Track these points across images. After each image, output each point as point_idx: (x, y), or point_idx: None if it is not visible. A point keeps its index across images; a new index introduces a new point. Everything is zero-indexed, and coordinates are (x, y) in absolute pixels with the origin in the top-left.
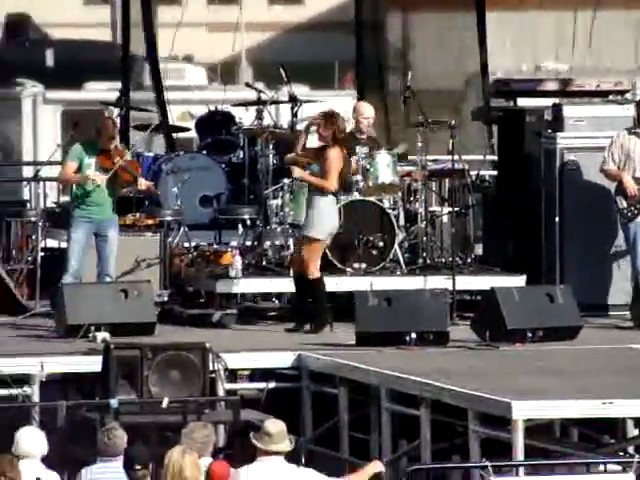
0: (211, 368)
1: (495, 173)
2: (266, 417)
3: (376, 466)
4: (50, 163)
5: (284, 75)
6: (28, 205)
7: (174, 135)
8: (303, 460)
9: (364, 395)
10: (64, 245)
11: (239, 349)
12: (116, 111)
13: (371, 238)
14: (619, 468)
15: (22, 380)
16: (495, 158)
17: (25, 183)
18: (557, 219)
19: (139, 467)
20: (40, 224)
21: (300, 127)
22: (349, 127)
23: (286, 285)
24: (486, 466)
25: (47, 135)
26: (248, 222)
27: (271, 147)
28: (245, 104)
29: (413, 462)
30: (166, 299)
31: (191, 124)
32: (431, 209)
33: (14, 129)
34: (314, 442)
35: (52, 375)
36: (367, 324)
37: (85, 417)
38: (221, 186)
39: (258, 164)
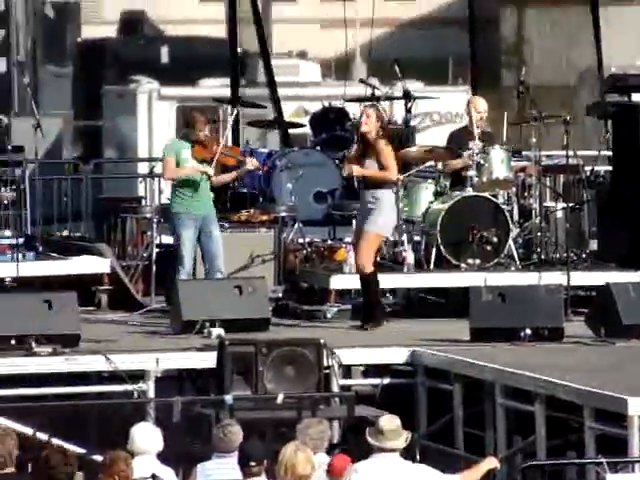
0: (326, 364)
1: (610, 168)
2: (381, 413)
3: (491, 462)
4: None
5: (398, 71)
6: (143, 202)
7: (288, 131)
8: (418, 456)
9: (478, 391)
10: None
11: (353, 345)
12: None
13: (485, 234)
14: None
15: (138, 376)
16: (609, 153)
17: (140, 180)
18: None
19: (254, 463)
20: (155, 220)
21: (414, 123)
22: (463, 122)
23: (400, 280)
24: (601, 462)
25: (162, 131)
26: None
27: None
28: (359, 100)
29: (528, 458)
30: (280, 295)
31: (305, 120)
32: (545, 204)
33: (130, 126)
34: (429, 438)
35: (167, 371)
36: (481, 320)
37: (200, 413)
38: (335, 182)
39: None
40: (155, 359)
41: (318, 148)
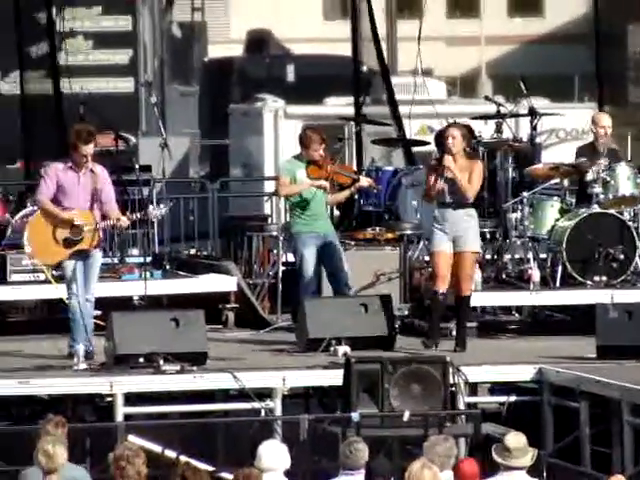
0: (451, 381)
1: None
2: (507, 431)
3: None
4: None
5: (523, 87)
6: (269, 220)
7: (413, 149)
8: (545, 474)
9: (605, 408)
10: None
11: (479, 362)
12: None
13: (611, 250)
14: None
15: (265, 394)
16: None
17: (266, 198)
18: None
19: None
20: (281, 239)
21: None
22: (589, 139)
23: (526, 298)
24: None
25: (288, 150)
26: (488, 235)
27: (510, 160)
28: (484, 117)
29: None
30: (406, 312)
31: (430, 137)
32: None
33: (256, 144)
34: (556, 456)
35: (294, 389)
36: (608, 337)
37: (327, 430)
38: None
39: (497, 177)
40: (282, 377)
41: None
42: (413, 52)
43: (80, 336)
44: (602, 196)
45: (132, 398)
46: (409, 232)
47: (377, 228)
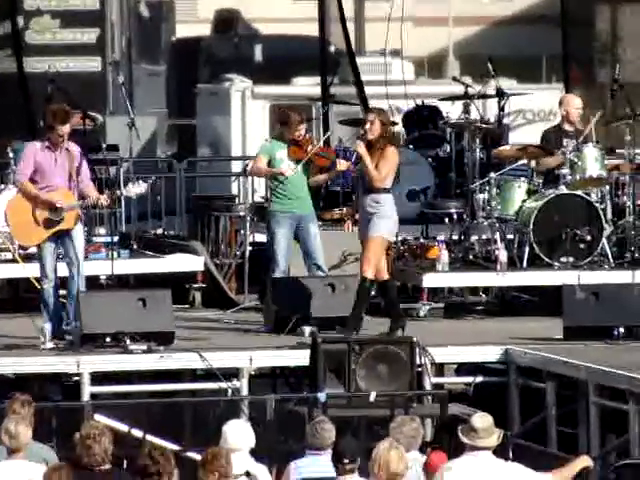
0: (418, 362)
1: None
2: (473, 411)
3: (584, 461)
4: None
5: (491, 68)
6: (236, 200)
7: None
8: (511, 454)
9: (572, 389)
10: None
11: (446, 343)
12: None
13: (578, 232)
14: None
15: (231, 374)
16: None
17: (234, 178)
18: None
19: (347, 461)
20: (248, 219)
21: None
22: (556, 120)
23: (493, 279)
24: None
25: (255, 130)
26: (455, 216)
27: (478, 141)
28: (452, 98)
29: (622, 457)
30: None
31: (398, 118)
32: (639, 202)
33: (223, 124)
34: (521, 436)
35: (261, 369)
36: (575, 318)
37: (293, 411)
38: (428, 180)
39: (465, 158)
40: (249, 357)
41: (411, 146)
42: (381, 33)
43: (50, 317)
44: (569, 177)
45: (99, 377)
46: None
47: (344, 209)
